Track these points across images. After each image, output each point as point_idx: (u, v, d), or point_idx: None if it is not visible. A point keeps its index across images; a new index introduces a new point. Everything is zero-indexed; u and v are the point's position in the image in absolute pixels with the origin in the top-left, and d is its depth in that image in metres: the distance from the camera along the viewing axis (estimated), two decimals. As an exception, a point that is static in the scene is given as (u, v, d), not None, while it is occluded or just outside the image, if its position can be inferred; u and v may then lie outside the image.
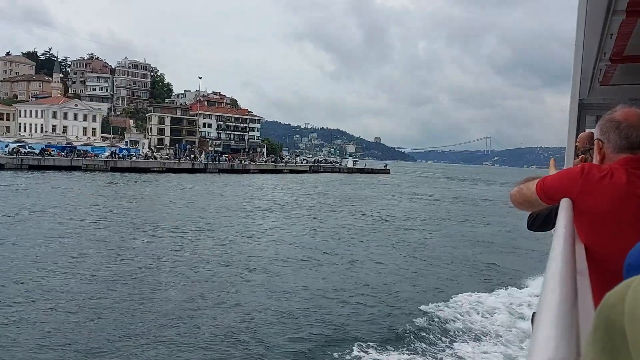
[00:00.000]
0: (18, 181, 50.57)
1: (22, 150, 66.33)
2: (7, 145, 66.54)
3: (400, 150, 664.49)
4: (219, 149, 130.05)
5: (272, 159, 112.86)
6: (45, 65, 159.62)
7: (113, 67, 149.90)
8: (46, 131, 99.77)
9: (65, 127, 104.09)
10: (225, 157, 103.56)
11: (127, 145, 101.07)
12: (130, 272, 18.33)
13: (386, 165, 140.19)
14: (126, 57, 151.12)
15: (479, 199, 62.65)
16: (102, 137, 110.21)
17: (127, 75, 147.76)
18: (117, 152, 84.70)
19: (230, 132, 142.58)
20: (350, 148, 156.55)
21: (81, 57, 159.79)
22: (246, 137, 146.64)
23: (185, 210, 36.83)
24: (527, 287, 18.27)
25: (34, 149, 68.14)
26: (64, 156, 69.01)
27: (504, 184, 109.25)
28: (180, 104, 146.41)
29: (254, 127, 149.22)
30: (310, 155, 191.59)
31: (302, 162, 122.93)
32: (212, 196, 47.95)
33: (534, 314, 1.47)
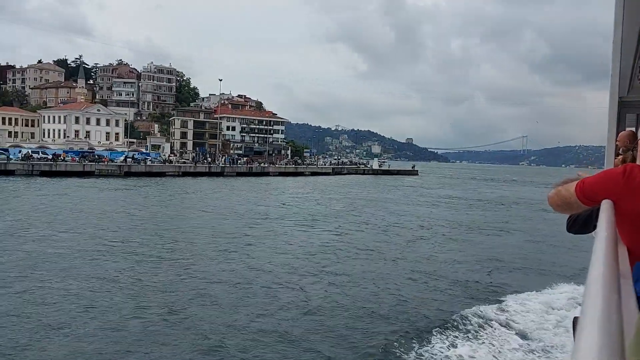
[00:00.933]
0: (16, 186, 49.38)
1: (35, 155, 65.69)
2: (20, 152, 65.88)
3: (433, 151, 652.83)
4: (239, 151, 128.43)
5: (292, 162, 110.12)
6: (75, 72, 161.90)
7: (139, 73, 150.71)
8: (68, 136, 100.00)
9: (88, 132, 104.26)
10: (244, 159, 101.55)
11: (147, 150, 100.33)
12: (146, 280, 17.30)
13: (414, 166, 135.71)
14: (152, 62, 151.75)
15: (510, 202, 58.34)
16: (126, 141, 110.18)
17: (153, 80, 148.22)
18: (137, 156, 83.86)
19: (254, 135, 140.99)
20: (376, 149, 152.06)
21: (110, 64, 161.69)
22: (270, 140, 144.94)
23: (182, 214, 34.42)
24: (563, 291, 17.65)
25: (47, 155, 67.40)
26: (77, 161, 68.08)
27: (539, 184, 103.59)
28: (205, 108, 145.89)
29: (278, 130, 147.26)
30: (336, 157, 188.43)
31: (324, 164, 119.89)
32: (216, 200, 45.51)
33: (575, 318, 1.39)
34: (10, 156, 62.68)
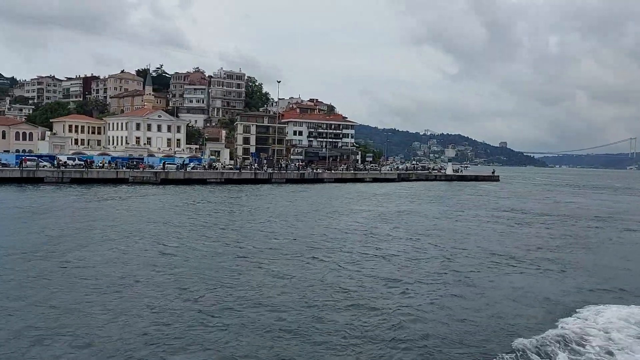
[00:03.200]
0: (35, 195, 46.48)
1: (70, 162, 63.92)
2: (53, 158, 64.32)
3: (529, 155, 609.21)
4: (299, 156, 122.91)
5: (352, 167, 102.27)
6: (156, 81, 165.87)
7: (210, 79, 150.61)
8: (127, 143, 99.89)
9: (149, 138, 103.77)
10: (297, 164, 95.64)
11: (206, 156, 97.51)
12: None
13: (493, 171, 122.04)
14: (221, 68, 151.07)
15: (595, 216, 46.83)
16: (186, 148, 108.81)
17: (222, 86, 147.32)
18: (188, 162, 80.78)
19: (322, 140, 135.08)
20: (450, 152, 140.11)
21: (187, 71, 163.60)
22: (339, 144, 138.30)
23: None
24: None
25: (82, 162, 65.46)
26: (114, 167, 65.62)
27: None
28: (273, 112, 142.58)
29: (348, 134, 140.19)
30: (414, 162, 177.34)
31: (390, 170, 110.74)
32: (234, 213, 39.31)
33: None
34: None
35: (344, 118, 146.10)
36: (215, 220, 34.79)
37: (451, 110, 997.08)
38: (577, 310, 16.49)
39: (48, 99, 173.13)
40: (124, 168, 66.51)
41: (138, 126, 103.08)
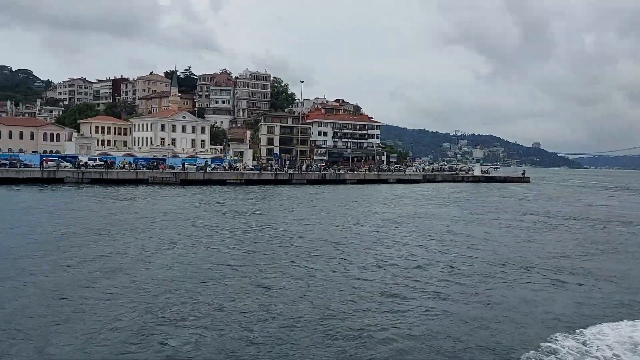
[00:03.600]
0: (46, 196, 46.68)
1: (91, 163, 64.31)
2: (75, 158, 64.79)
3: (563, 156, 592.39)
4: (323, 157, 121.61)
5: (375, 168, 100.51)
6: (183, 82, 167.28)
7: (236, 80, 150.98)
8: (152, 144, 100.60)
9: (173, 139, 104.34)
10: (319, 165, 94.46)
11: (230, 157, 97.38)
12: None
13: (524, 172, 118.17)
14: (247, 69, 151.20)
15: (628, 221, 44.25)
16: (210, 148, 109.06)
17: (247, 87, 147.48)
18: (211, 163, 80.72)
19: (347, 140, 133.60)
20: (478, 153, 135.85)
21: (215, 73, 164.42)
22: (364, 145, 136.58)
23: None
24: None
25: (102, 162, 65.80)
26: (134, 168, 65.78)
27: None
28: (298, 113, 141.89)
29: (373, 134, 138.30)
30: (445, 164, 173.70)
31: (415, 171, 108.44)
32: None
33: None
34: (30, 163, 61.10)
35: (370, 118, 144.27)
36: (220, 222, 33.90)
37: (483, 110, 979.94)
38: (593, 326, 14.85)
39: (79, 100, 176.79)
40: (144, 169, 66.53)
41: (163, 127, 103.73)
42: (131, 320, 14.24)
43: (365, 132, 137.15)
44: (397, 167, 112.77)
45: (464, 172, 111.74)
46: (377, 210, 44.81)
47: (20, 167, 57.86)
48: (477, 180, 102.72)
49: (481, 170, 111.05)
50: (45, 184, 55.06)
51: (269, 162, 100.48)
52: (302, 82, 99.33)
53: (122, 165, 67.63)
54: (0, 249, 22.76)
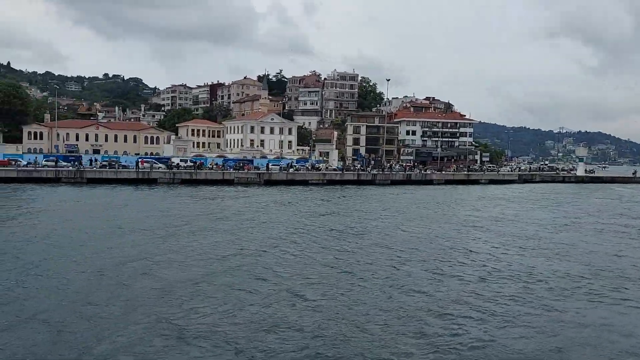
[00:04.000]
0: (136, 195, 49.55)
1: (182, 164, 67.63)
2: (167, 159, 68.34)
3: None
4: (409, 157, 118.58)
5: (464, 167, 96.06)
6: (275, 85, 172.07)
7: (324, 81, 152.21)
8: (242, 146, 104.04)
9: (262, 140, 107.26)
10: (404, 165, 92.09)
11: (310, 157, 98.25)
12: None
13: (635, 172, 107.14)
14: (334, 70, 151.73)
15: None
16: (298, 149, 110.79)
17: (335, 88, 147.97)
18: (294, 163, 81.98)
19: (436, 139, 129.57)
20: (581, 151, 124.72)
21: (305, 75, 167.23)
22: (456, 144, 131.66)
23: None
24: None
25: (193, 163, 68.94)
26: (221, 169, 68.21)
27: None
28: (386, 112, 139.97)
29: (465, 132, 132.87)
30: (546, 163, 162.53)
31: (510, 170, 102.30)
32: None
33: None
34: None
35: (462, 116, 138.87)
36: (292, 222, 33.77)
37: (590, 105, 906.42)
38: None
39: (180, 105, 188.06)
40: (231, 170, 68.82)
41: (252, 129, 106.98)
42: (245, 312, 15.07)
43: (457, 130, 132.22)
44: (489, 166, 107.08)
45: (565, 172, 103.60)
46: (460, 213, 42.51)
47: (118, 168, 62.36)
48: (579, 180, 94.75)
49: (585, 170, 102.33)
50: (140, 184, 58.68)
51: (354, 162, 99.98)
52: (389, 80, 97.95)
53: (211, 166, 70.45)
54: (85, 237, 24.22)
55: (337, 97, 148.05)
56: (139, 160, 66.40)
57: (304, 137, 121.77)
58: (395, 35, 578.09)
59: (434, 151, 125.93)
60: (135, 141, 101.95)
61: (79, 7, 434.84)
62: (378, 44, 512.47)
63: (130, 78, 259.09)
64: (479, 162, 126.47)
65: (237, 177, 64.82)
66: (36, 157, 65.81)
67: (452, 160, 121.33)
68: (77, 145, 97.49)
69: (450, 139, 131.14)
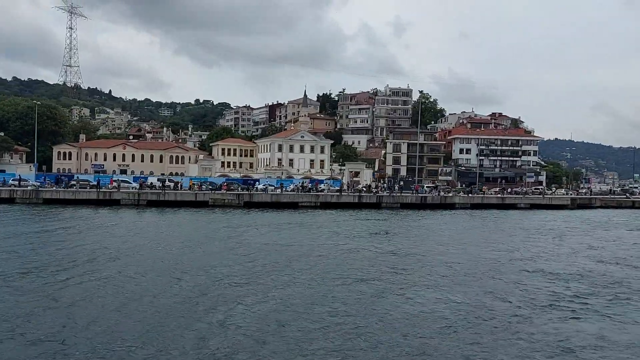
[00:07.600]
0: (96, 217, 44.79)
1: (158, 184, 62.14)
2: (146, 179, 63.63)
3: None
4: (447, 177, 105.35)
5: (500, 191, 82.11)
6: (335, 104, 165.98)
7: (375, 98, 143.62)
8: (267, 165, 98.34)
9: (291, 160, 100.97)
10: (437, 187, 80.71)
11: (330, 177, 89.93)
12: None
13: None
14: (387, 85, 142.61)
15: None
16: (334, 168, 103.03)
17: (387, 104, 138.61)
18: (308, 183, 74.74)
19: (494, 158, 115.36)
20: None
21: (360, 92, 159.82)
22: (518, 163, 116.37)
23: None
24: None
25: (172, 183, 63.55)
26: (204, 189, 62.22)
27: None
28: (440, 130, 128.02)
29: (529, 151, 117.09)
30: (624, 186, 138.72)
31: (563, 194, 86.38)
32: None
33: None
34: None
35: (527, 132, 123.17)
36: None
37: None
38: None
39: (242, 126, 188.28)
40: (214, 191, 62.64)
41: (280, 147, 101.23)
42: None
43: (519, 148, 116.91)
44: (540, 189, 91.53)
45: (638, 197, 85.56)
46: (441, 250, 32.32)
47: (89, 187, 58.81)
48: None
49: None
50: (101, 206, 54.33)
51: (380, 183, 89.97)
52: (422, 90, 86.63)
53: (190, 186, 64.63)
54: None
55: (389, 113, 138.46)
56: (110, 179, 62.54)
57: (346, 156, 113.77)
58: (490, 52, 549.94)
59: (494, 171, 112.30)
60: (161, 161, 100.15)
61: (176, 37, 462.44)
62: (471, 62, 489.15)
63: (219, 103, 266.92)
64: (545, 183, 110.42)
65: (212, 198, 58.45)
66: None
67: (512, 180, 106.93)
68: (104, 165, 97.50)
69: (511, 158, 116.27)
